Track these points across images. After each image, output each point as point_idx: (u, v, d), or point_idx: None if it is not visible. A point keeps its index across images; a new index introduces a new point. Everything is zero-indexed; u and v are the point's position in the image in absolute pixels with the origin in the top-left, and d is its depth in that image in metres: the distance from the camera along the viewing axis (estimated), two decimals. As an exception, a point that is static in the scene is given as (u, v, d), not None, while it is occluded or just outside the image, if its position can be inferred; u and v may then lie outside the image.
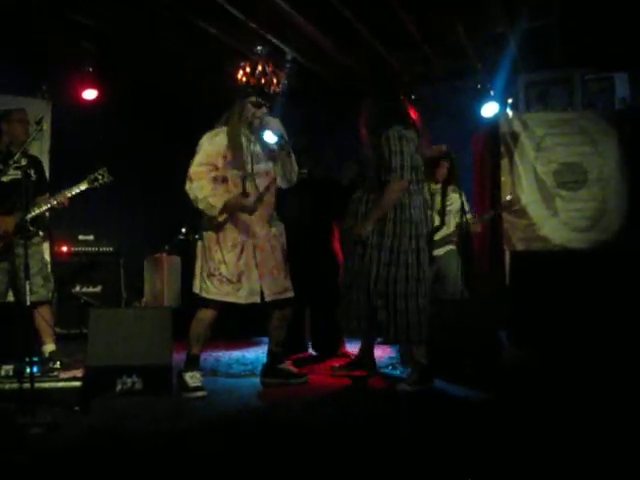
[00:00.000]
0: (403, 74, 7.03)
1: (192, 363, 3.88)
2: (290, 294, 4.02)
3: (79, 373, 3.94)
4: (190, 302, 4.06)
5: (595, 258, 5.79)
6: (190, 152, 3.90)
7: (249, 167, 3.86)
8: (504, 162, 6.51)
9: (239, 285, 3.82)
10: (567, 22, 6.15)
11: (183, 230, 7.12)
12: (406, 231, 3.82)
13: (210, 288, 3.81)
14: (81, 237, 6.35)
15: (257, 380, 4.16)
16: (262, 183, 3.94)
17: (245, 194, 3.80)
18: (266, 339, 4.31)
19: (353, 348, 4.93)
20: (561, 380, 4.04)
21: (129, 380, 3.69)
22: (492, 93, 6.38)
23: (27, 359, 3.37)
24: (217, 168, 3.85)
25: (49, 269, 4.59)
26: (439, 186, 5.25)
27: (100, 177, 4.40)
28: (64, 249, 6.13)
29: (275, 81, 3.89)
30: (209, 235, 3.89)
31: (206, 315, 3.88)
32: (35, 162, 4.52)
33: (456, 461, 2.56)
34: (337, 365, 4.51)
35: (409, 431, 3.05)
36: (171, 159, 5.10)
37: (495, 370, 4.08)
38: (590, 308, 5.35)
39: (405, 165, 3.79)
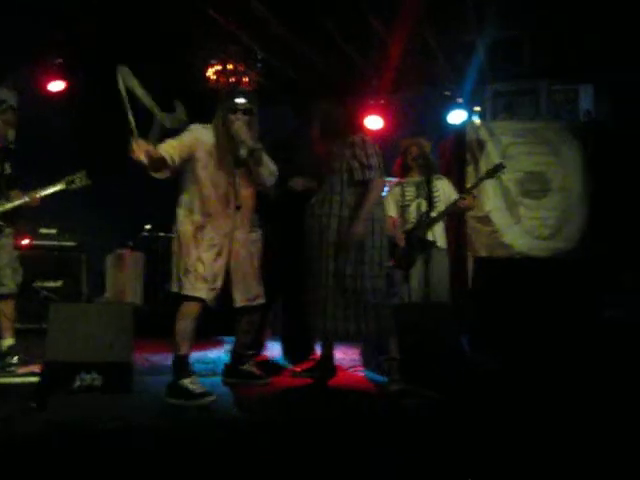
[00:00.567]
0: (372, 78, 7.06)
1: (184, 367, 3.71)
2: (261, 300, 4.00)
3: (37, 369, 3.88)
4: (154, 299, 4.02)
5: (555, 266, 5.89)
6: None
7: (229, 173, 3.76)
8: (470, 169, 6.61)
9: (213, 285, 3.76)
10: (536, 33, 6.28)
11: (148, 226, 7.05)
12: (372, 229, 3.92)
13: (186, 284, 3.71)
14: (43, 230, 6.27)
15: (219, 379, 4.14)
16: (242, 188, 3.82)
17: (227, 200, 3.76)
18: (228, 338, 4.29)
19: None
20: (522, 383, 4.12)
21: (88, 377, 3.64)
22: (460, 101, 6.47)
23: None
24: (192, 157, 3.76)
25: (18, 262, 4.54)
26: (423, 178, 5.08)
27: (78, 180, 4.37)
28: (25, 242, 6.00)
29: (246, 80, 3.87)
30: (185, 231, 3.79)
31: (189, 310, 3.73)
32: (9, 155, 4.44)
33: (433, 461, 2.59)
34: (298, 370, 4.50)
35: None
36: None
37: (460, 374, 4.12)
38: (549, 315, 5.44)
39: (380, 165, 3.96)
